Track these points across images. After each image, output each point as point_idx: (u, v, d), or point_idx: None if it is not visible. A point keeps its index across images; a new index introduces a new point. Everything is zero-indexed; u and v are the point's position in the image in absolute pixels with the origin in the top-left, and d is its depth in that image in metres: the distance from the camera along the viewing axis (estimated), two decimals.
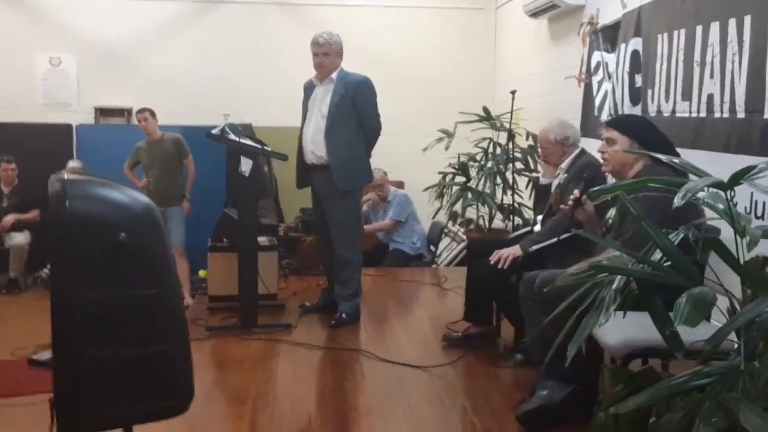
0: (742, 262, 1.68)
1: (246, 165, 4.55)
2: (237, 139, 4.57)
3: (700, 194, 1.69)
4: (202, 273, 6.07)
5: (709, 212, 1.70)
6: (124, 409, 1.65)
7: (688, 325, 1.49)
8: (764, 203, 3.08)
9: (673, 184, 1.61)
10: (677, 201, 1.50)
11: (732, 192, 3.28)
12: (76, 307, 1.54)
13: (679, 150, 3.41)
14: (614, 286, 1.66)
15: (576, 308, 1.78)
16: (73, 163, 7.04)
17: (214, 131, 4.62)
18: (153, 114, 6.56)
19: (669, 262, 1.71)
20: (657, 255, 1.75)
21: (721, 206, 1.65)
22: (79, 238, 1.54)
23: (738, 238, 1.67)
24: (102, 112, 7.78)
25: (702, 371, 1.56)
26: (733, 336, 1.64)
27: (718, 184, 1.61)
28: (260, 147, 4.71)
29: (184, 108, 7.66)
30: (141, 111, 6.57)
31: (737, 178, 1.63)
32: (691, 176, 1.74)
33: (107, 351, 1.63)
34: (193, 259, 6.59)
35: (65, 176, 1.64)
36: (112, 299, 1.62)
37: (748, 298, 1.65)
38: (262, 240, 5.17)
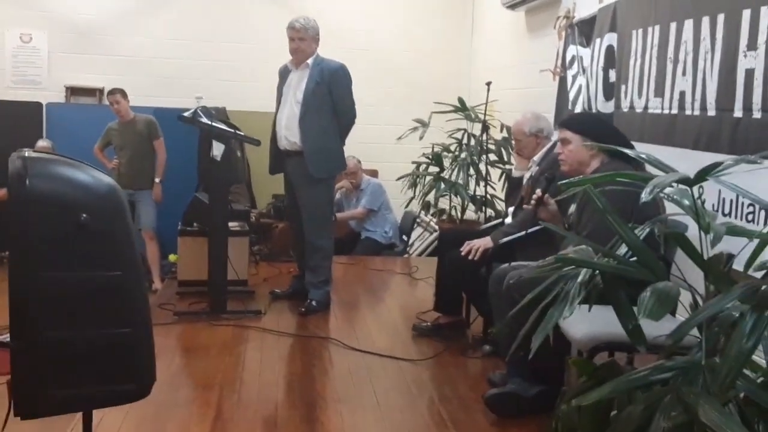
0: (706, 258, 1.69)
1: (218, 149, 4.51)
2: (209, 122, 4.54)
3: (667, 189, 1.70)
4: (172, 257, 6.02)
5: (673, 208, 1.71)
6: (82, 392, 1.63)
7: (651, 319, 1.50)
8: (731, 201, 3.11)
9: (640, 179, 1.62)
10: (644, 196, 1.51)
11: (701, 189, 3.32)
12: (35, 287, 1.51)
13: (650, 146, 3.45)
14: (579, 279, 1.66)
15: (542, 301, 1.79)
16: (42, 143, 6.92)
17: (186, 114, 4.57)
18: (124, 95, 6.47)
19: (635, 257, 1.72)
20: (623, 249, 1.76)
21: (686, 202, 1.66)
22: (39, 217, 1.51)
23: (702, 235, 1.68)
24: (73, 91, 7.66)
25: (664, 366, 1.58)
26: (695, 331, 1.66)
27: (685, 180, 1.62)
28: (233, 131, 4.67)
29: (157, 89, 7.57)
30: (112, 93, 6.47)
31: (703, 175, 1.64)
32: (652, 169, 1.75)
33: (66, 333, 1.60)
34: (163, 243, 6.54)
35: (26, 154, 1.60)
36: (72, 280, 1.59)
37: (711, 294, 1.67)
38: (233, 225, 5.14)
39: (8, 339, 1.60)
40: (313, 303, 4.77)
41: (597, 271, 1.69)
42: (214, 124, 4.58)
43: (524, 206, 3.55)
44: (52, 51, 7.66)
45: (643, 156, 1.77)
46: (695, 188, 1.69)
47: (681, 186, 1.67)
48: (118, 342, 1.65)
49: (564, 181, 1.81)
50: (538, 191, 3.39)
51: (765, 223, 2.91)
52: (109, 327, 1.63)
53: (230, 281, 4.71)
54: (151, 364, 1.76)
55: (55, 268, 1.53)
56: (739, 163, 1.61)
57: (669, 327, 1.69)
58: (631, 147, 3.14)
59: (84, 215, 1.57)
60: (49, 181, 1.53)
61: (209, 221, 4.70)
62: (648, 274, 1.63)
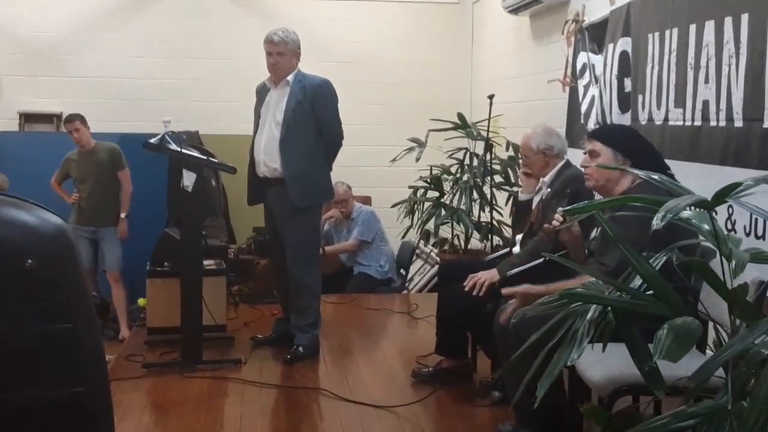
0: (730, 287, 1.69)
1: (189, 179, 4.52)
2: (178, 148, 4.55)
3: (685, 213, 1.71)
4: (141, 302, 6.01)
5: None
6: None
7: (669, 360, 1.50)
8: (765, 222, 3.12)
9: (654, 202, 1.63)
10: (656, 223, 1.52)
11: (730, 209, 3.31)
12: None
13: (672, 163, 3.46)
14: (589, 316, 1.67)
15: (549, 342, 1.79)
16: None
17: (152, 140, 4.59)
18: (84, 121, 6.50)
19: (651, 290, 1.72)
20: (638, 281, 1.76)
21: (706, 227, 1.67)
22: None
23: (726, 262, 1.69)
24: (27, 117, 7.70)
25: (686, 412, 1.57)
26: (721, 371, 1.66)
27: (702, 203, 1.63)
28: (205, 158, 4.70)
29: (121, 113, 7.63)
30: (70, 120, 6.50)
31: (722, 196, 1.65)
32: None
33: (11, 394, 1.59)
34: (130, 285, 6.53)
35: None
36: (17, 335, 1.58)
37: (738, 328, 1.67)
38: (209, 263, 5.15)
39: None
40: (300, 349, 4.75)
41: (609, 307, 1.70)
42: (184, 150, 4.59)
43: (544, 226, 3.53)
44: (4, 74, 7.71)
45: (655, 177, 1.78)
46: (724, 208, 1.70)
47: (699, 209, 1.68)
48: (71, 403, 1.64)
49: (568, 207, 1.82)
50: (560, 211, 3.40)
51: None
52: (59, 387, 1.62)
53: (206, 327, 4.69)
54: (109, 427, 1.74)
55: None
56: (759, 183, 1.62)
57: (695, 365, 1.69)
58: (666, 168, 3.16)
59: (29, 261, 1.57)
60: None
61: (181, 260, 4.70)
62: (665, 309, 1.64)
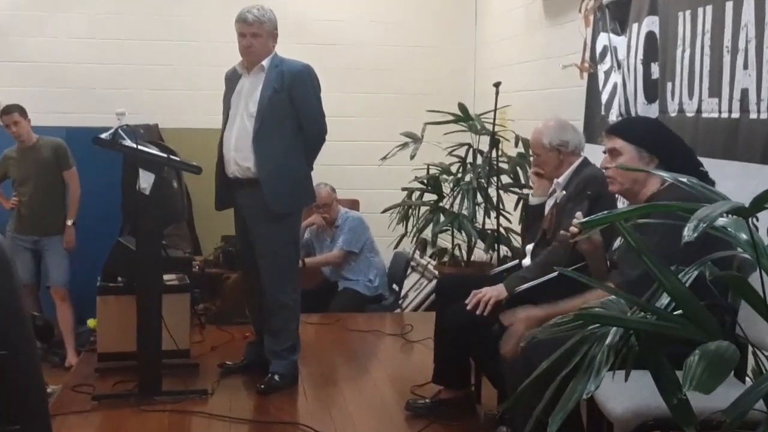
0: None
1: (146, 180, 4.52)
2: (134, 145, 4.55)
3: (720, 221, 1.72)
4: (90, 323, 5.98)
5: None
6: None
7: (700, 391, 1.50)
8: None
9: (684, 210, 1.63)
10: (687, 234, 1.52)
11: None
12: None
13: (705, 161, 3.48)
14: (608, 340, 1.67)
15: (563, 369, 1.80)
16: None
17: (104, 135, 4.58)
18: (23, 113, 6.48)
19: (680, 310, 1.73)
20: (665, 300, 1.77)
21: (743, 236, 1.67)
22: None
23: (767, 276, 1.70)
24: None
25: None
26: (761, 404, 1.66)
27: (739, 210, 1.63)
28: (166, 156, 4.69)
29: (67, 104, 7.60)
30: (7, 112, 6.47)
31: (762, 201, 1.66)
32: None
33: None
34: (78, 304, 6.51)
35: None
36: None
37: None
38: (170, 278, 5.15)
39: None
40: (276, 378, 4.75)
41: (631, 330, 1.70)
42: (141, 147, 4.59)
43: (561, 232, 3.54)
44: None
45: (683, 180, 1.78)
46: (766, 215, 1.70)
47: (735, 217, 1.68)
48: None
49: (585, 219, 1.83)
50: (579, 214, 3.39)
51: None
52: None
53: (166, 352, 4.68)
54: None
55: None
56: None
57: (731, 397, 1.70)
58: (698, 165, 3.17)
59: None
60: None
61: (137, 274, 4.69)
62: (696, 332, 1.65)
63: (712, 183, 3.13)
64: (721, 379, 1.53)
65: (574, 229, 3.30)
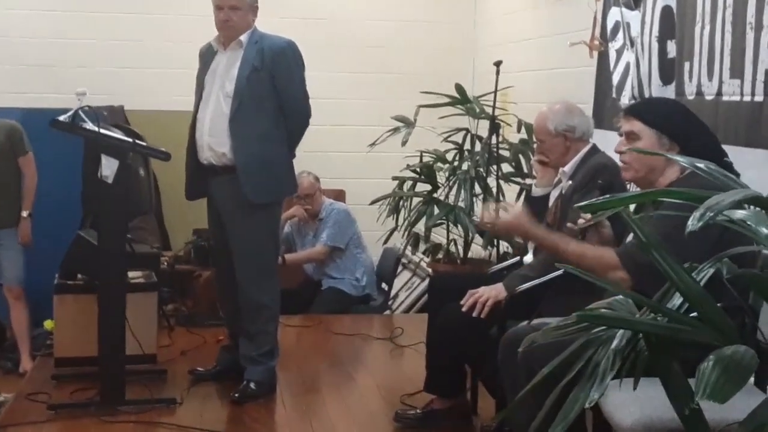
0: None
1: (109, 167, 4.51)
2: (96, 128, 4.54)
3: (739, 213, 1.72)
4: (47, 325, 5.97)
5: None
6: None
7: (714, 400, 1.51)
8: None
9: (694, 198, 1.63)
10: (691, 224, 1.52)
11: None
12: None
13: (727, 148, 3.49)
14: (614, 344, 1.67)
15: (565, 376, 1.80)
16: None
17: (63, 117, 4.58)
18: None
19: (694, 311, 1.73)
20: (677, 300, 1.77)
21: (765, 230, 1.67)
22: None
23: None
24: None
25: None
26: None
27: (755, 200, 1.64)
28: (131, 141, 4.68)
29: (23, 83, 7.57)
30: None
31: None
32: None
33: None
34: (34, 304, 6.49)
35: None
36: None
37: None
38: (135, 276, 5.15)
39: None
40: (251, 386, 4.75)
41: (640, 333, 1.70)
42: (103, 131, 4.59)
43: (568, 225, 3.55)
44: None
45: (701, 166, 1.78)
46: None
47: (756, 208, 1.68)
48: None
49: (583, 203, 1.83)
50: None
51: None
52: None
53: (130, 357, 4.69)
54: None
55: None
56: None
57: (749, 407, 1.70)
58: (723, 155, 3.17)
59: None
60: None
61: (99, 271, 4.68)
62: (712, 335, 1.65)
63: (737, 174, 3.14)
64: (738, 387, 1.54)
65: (582, 221, 3.31)
